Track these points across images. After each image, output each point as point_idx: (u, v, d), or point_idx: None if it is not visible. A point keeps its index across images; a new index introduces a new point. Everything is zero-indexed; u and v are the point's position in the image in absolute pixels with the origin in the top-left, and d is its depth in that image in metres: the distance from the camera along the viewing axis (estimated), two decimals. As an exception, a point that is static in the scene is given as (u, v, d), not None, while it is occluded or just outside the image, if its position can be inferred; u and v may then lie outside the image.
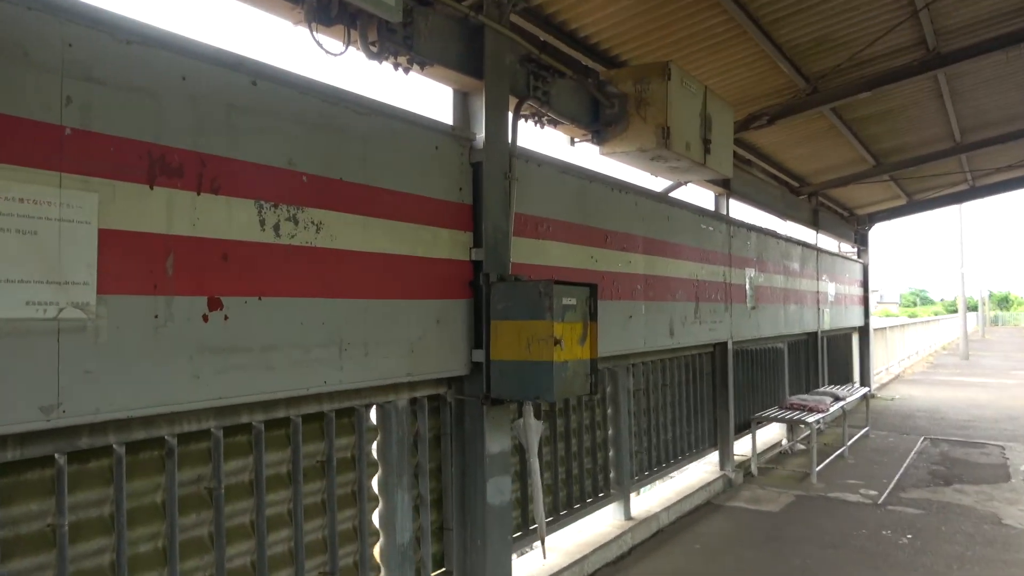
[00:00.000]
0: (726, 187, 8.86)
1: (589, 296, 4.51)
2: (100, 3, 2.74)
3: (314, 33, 3.48)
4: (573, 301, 4.36)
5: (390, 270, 3.96)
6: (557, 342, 4.13)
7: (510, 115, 4.79)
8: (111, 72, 2.76)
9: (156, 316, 2.90)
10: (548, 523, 5.56)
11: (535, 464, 4.77)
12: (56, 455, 2.75)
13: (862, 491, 8.32)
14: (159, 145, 2.91)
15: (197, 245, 3.05)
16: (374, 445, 4.20)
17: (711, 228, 8.31)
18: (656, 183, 7.20)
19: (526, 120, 5.23)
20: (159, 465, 3.12)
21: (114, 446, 2.92)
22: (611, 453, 6.60)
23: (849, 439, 10.64)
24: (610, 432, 6.60)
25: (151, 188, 2.88)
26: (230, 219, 3.17)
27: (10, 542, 2.65)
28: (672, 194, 7.58)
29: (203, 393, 3.07)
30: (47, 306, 2.57)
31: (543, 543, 4.89)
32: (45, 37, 2.58)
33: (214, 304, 3.10)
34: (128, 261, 2.81)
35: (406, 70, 4.13)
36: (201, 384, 3.06)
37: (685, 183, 7.41)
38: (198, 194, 3.05)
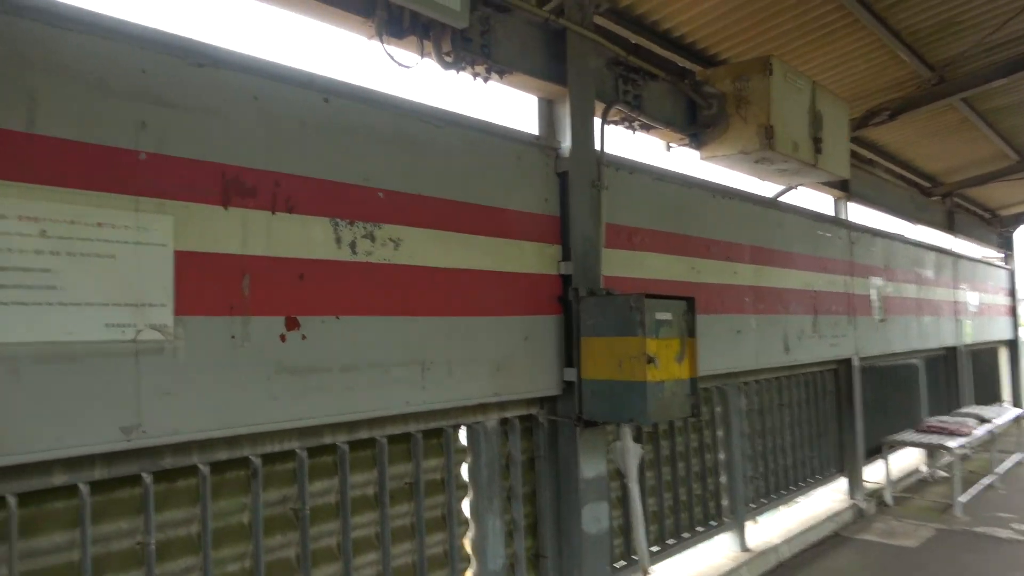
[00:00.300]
0: (844, 190, 8.23)
1: (686, 310, 4.21)
2: (173, 29, 2.79)
3: (386, 46, 3.43)
4: (668, 316, 4.07)
5: (473, 286, 3.84)
6: (651, 360, 3.86)
7: (597, 121, 4.59)
8: (184, 96, 2.80)
9: (233, 337, 2.89)
10: (654, 553, 5.23)
11: (635, 490, 4.49)
12: (143, 474, 2.77)
13: (1015, 526, 7.40)
14: (233, 166, 2.92)
15: (273, 265, 3.03)
16: (464, 467, 4.06)
17: (829, 234, 7.72)
18: (765, 187, 6.77)
19: (616, 126, 5.01)
20: (244, 485, 3.10)
21: (199, 466, 2.92)
22: (723, 478, 6.17)
23: (999, 466, 9.56)
24: (721, 456, 6.18)
25: (225, 209, 2.89)
26: (305, 238, 3.14)
27: (101, 559, 2.68)
28: (783, 198, 7.10)
29: (281, 414, 3.03)
30: (126, 328, 2.60)
31: (646, 575, 4.58)
32: (121, 65, 2.64)
33: (291, 324, 3.07)
34: (204, 282, 2.81)
35: (485, 79, 4.02)
36: (279, 405, 3.02)
37: (796, 186, 6.92)
38: (273, 213, 3.04)
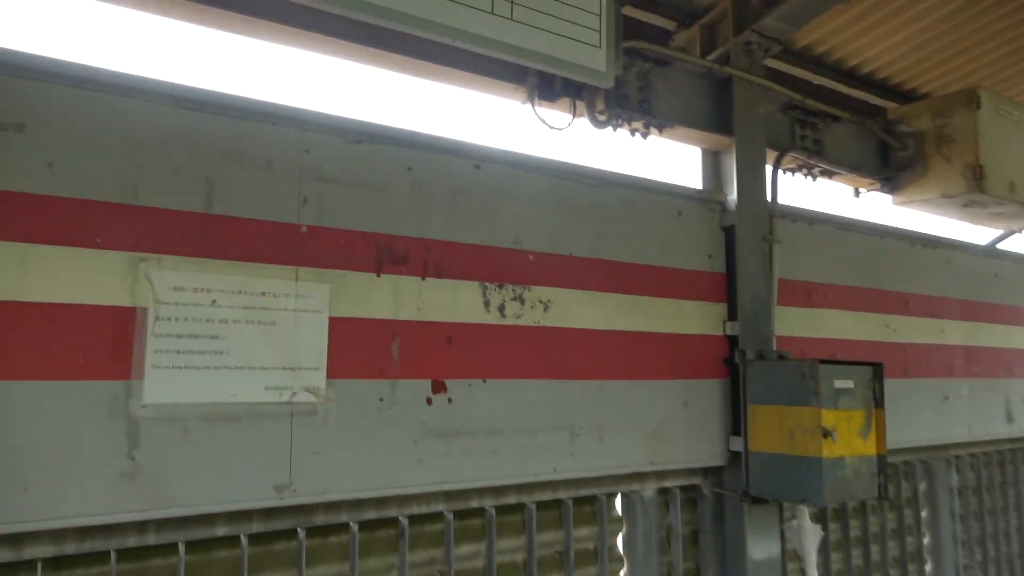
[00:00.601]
0: (1087, 231, 7.02)
1: (872, 377, 3.75)
2: (334, 110, 2.99)
3: (537, 109, 3.45)
4: (850, 384, 3.65)
5: (627, 348, 3.69)
6: (827, 434, 3.46)
7: (769, 170, 4.29)
8: (342, 171, 2.97)
9: (381, 399, 2.98)
10: (841, 646, 4.65)
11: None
12: (297, 529, 2.91)
13: None
14: (385, 235, 3.05)
15: (422, 329, 3.10)
16: (619, 538, 3.87)
17: (1066, 284, 6.61)
18: (978, 234, 5.96)
19: (792, 174, 4.66)
20: (392, 545, 3.16)
21: (349, 523, 3.02)
22: (928, 566, 5.38)
23: None
24: (926, 539, 5.40)
25: (378, 276, 3.01)
26: (454, 302, 3.19)
27: (257, 608, 2.84)
28: (1002, 245, 6.20)
29: (427, 477, 3.07)
30: (283, 390, 2.77)
31: (828, 674, 4.06)
32: (286, 146, 2.86)
33: (438, 387, 3.11)
34: (356, 346, 2.94)
35: (644, 135, 3.91)
36: (425, 467, 3.06)
37: (1019, 230, 6.01)
38: (423, 279, 3.12)
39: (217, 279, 2.68)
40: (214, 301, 2.66)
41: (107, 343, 2.47)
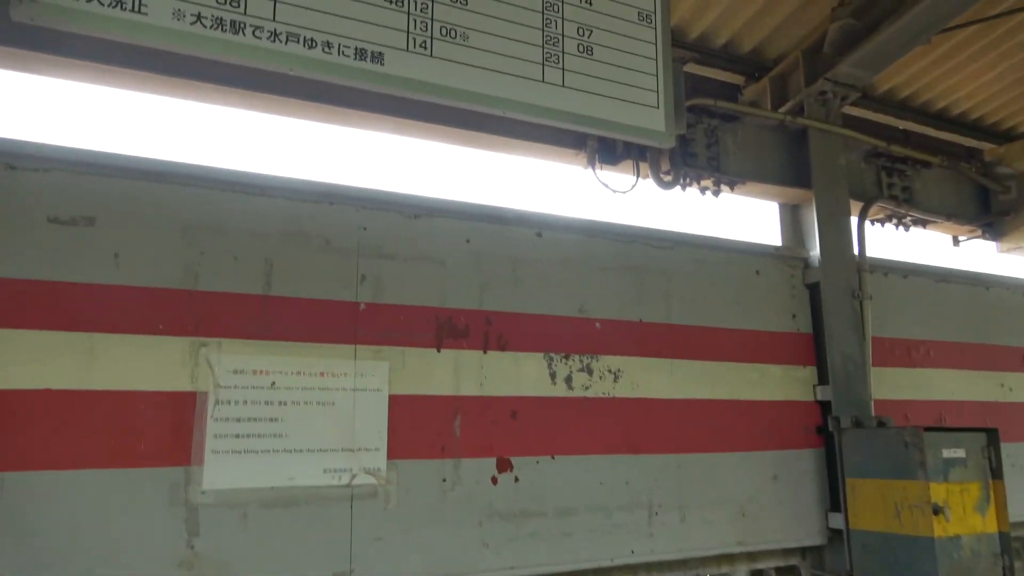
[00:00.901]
0: None
1: (987, 444, 3.36)
2: (391, 186, 2.99)
3: (599, 173, 3.36)
4: (961, 453, 3.28)
5: (707, 418, 3.46)
6: (938, 510, 3.10)
7: (854, 222, 4.02)
8: (400, 246, 2.95)
9: (444, 480, 2.86)
10: None
11: (936, 672, 3.56)
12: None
13: None
14: (445, 308, 2.99)
15: (484, 404, 2.99)
16: (709, 625, 3.56)
17: None
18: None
19: (881, 225, 4.36)
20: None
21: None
22: (1076, 658, 4.71)
23: None
24: (1071, 627, 4.75)
25: (438, 351, 2.94)
26: (518, 375, 3.08)
27: None
28: None
29: (494, 562, 2.91)
30: (342, 473, 2.70)
31: None
32: (344, 225, 2.87)
33: (503, 465, 2.98)
34: (417, 425, 2.85)
35: (715, 193, 3.75)
36: (492, 552, 2.90)
37: None
38: (484, 352, 3.03)
39: (276, 361, 2.67)
40: (273, 383, 2.65)
41: (167, 429, 2.48)
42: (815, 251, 3.88)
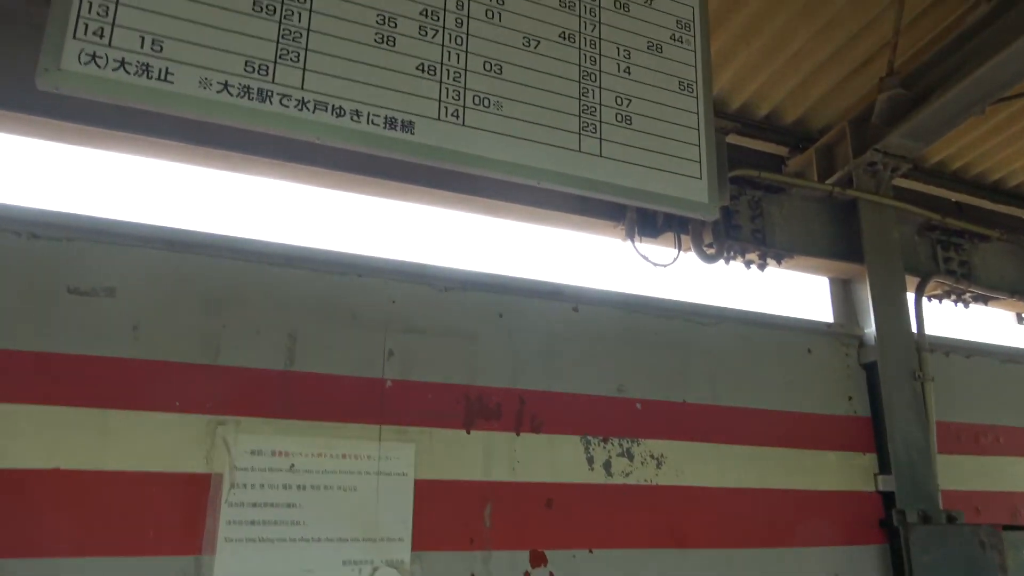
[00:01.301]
0: None
1: (1076, 546, 3.03)
2: (421, 258, 2.88)
3: (638, 246, 3.22)
4: (1047, 555, 2.95)
5: (758, 510, 3.18)
6: (1025, 623, 2.76)
7: (911, 298, 3.79)
8: (430, 320, 2.82)
9: (473, 575, 2.64)
10: None
11: None
12: None
13: None
14: (475, 386, 2.82)
15: (517, 491, 2.79)
16: None
17: None
18: None
19: (939, 301, 4.12)
20: None
21: None
22: None
23: None
24: None
25: (467, 433, 2.77)
26: (553, 460, 2.87)
27: None
28: None
29: (526, 669, 2.64)
30: (362, 566, 2.50)
31: None
32: (372, 297, 2.76)
33: (537, 559, 2.74)
34: (444, 513, 2.65)
35: (761, 267, 3.57)
36: (524, 657, 2.64)
37: None
38: (517, 435, 2.84)
39: (296, 441, 2.51)
40: (292, 465, 2.49)
41: (179, 514, 2.32)
42: (870, 328, 3.65)
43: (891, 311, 3.68)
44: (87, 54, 1.90)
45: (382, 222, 3.00)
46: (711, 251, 3.35)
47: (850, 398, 3.58)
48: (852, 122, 3.77)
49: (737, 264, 3.54)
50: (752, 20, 3.39)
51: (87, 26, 1.92)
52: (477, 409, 2.80)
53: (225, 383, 2.47)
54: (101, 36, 1.93)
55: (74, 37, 1.90)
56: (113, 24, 1.95)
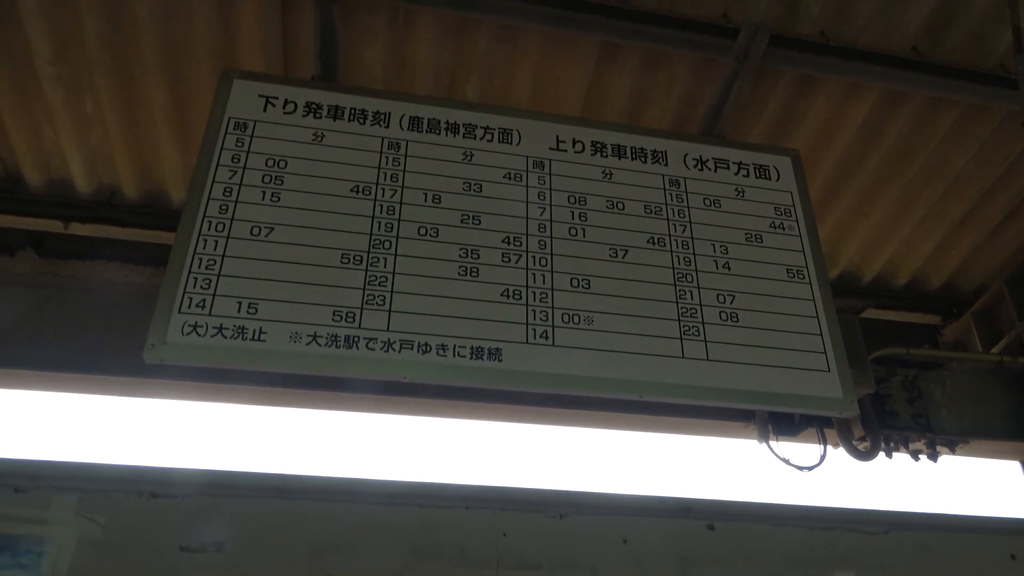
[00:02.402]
0: None
1: None
2: (532, 484, 2.72)
3: (774, 446, 2.88)
4: None
5: None
6: None
7: None
8: (545, 552, 2.58)
9: None
10: None
11: None
12: None
13: None
14: (602, 629, 2.50)
15: None
16: None
17: None
18: None
19: None
20: None
21: None
22: None
23: None
24: None
25: None
26: None
27: None
28: None
29: None
30: None
31: None
32: (481, 531, 2.58)
33: None
34: None
35: (931, 457, 3.09)
36: None
37: None
38: None
39: None
40: None
41: None
42: (1091, 522, 2.97)
43: (1116, 499, 3.00)
44: (189, 325, 2.04)
45: (488, 447, 2.90)
46: (864, 446, 2.94)
47: (1082, 615, 2.84)
48: (1009, 280, 3.35)
49: (901, 456, 3.07)
50: (864, 194, 3.21)
51: (191, 300, 2.07)
52: (606, 656, 2.46)
53: (330, 638, 2.33)
54: (203, 307, 2.07)
55: (179, 312, 2.05)
56: (214, 295, 2.10)
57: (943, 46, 2.80)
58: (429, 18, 2.65)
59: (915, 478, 3.12)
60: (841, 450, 2.96)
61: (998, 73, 2.83)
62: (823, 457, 2.92)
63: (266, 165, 2.37)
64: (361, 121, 2.55)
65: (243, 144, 2.40)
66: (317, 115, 2.52)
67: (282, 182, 2.35)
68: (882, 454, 3.00)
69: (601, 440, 3.05)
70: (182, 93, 2.79)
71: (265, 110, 2.49)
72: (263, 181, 2.34)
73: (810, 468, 2.88)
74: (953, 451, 3.09)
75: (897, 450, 3.05)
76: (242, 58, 2.73)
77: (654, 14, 2.66)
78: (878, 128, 3.04)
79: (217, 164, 2.33)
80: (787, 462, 2.87)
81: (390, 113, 2.59)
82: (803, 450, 2.98)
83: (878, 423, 3.00)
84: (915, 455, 3.08)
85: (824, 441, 2.95)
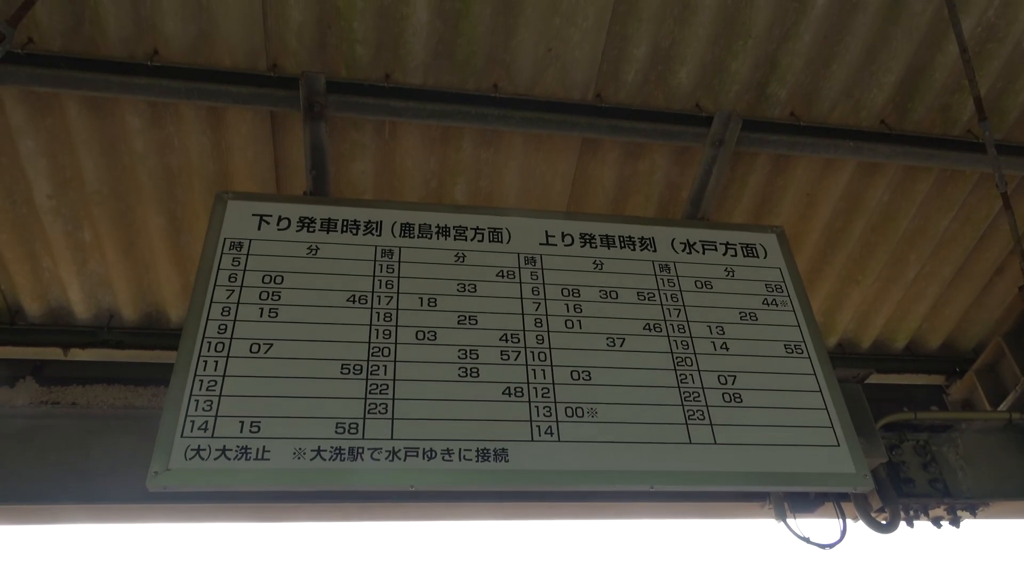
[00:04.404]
0: None
1: None
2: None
3: (792, 524, 2.82)
4: None
5: None
6: None
7: None
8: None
9: None
10: None
11: None
12: None
13: None
14: None
15: None
16: None
17: None
18: None
19: None
20: None
21: None
22: None
23: None
24: None
25: None
26: None
27: None
28: None
29: None
30: None
31: None
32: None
33: None
34: None
35: (953, 523, 3.02)
36: None
37: None
38: None
39: None
40: None
41: None
42: None
43: None
44: (192, 449, 2.02)
45: (501, 546, 2.81)
46: (883, 517, 2.87)
47: None
48: (1007, 336, 3.36)
49: (923, 524, 3.00)
50: (853, 262, 3.26)
51: (193, 423, 2.07)
52: None
53: None
54: (205, 430, 2.06)
55: (182, 436, 2.04)
56: (216, 416, 2.09)
57: (910, 118, 2.91)
58: (414, 129, 2.75)
59: (941, 546, 3.03)
60: (861, 523, 2.89)
61: (967, 139, 2.93)
62: (843, 533, 2.85)
63: (263, 282, 2.40)
64: (354, 231, 2.61)
65: (239, 263, 2.44)
66: (311, 229, 2.58)
67: (279, 297, 2.38)
68: (903, 524, 2.93)
69: (615, 530, 2.97)
70: (178, 217, 2.86)
71: (260, 228, 2.54)
72: (260, 298, 2.37)
73: (831, 545, 2.81)
74: (974, 515, 3.02)
75: (917, 518, 2.98)
76: (236, 179, 2.81)
77: (628, 108, 2.77)
78: (858, 198, 3.11)
79: (215, 285, 2.37)
80: (807, 540, 2.80)
81: (382, 221, 2.65)
82: (822, 526, 2.91)
83: (895, 492, 2.94)
84: (936, 522, 3.01)
85: (843, 515, 2.88)
